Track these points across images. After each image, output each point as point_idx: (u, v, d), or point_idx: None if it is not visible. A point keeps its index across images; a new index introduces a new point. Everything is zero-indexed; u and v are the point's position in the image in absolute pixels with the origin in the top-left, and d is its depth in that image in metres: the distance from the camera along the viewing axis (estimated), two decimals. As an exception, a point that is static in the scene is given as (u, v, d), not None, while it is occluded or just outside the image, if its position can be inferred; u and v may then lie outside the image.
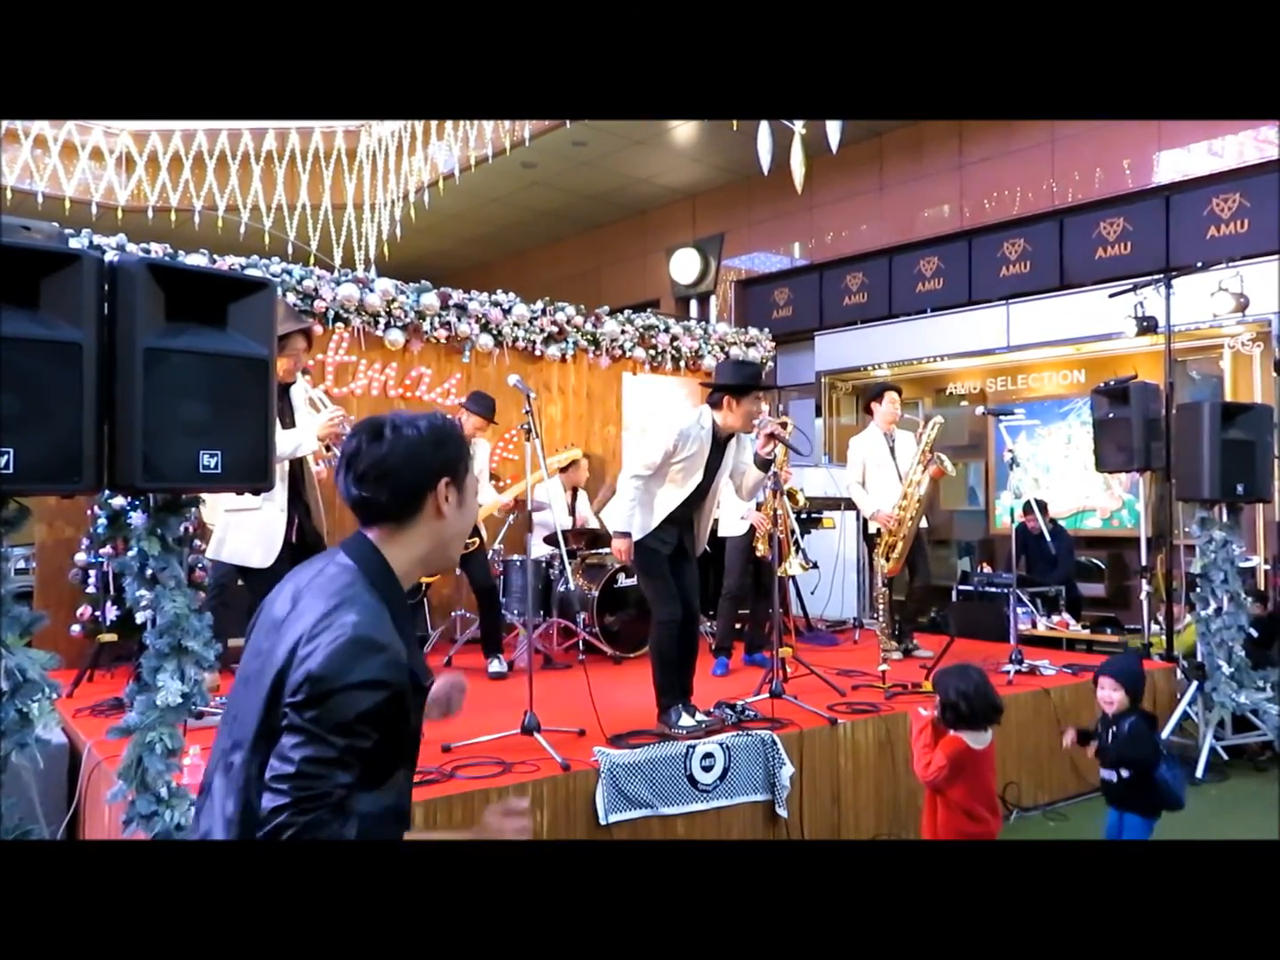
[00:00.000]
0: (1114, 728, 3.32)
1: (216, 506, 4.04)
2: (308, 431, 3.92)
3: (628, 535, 4.01)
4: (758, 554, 5.64)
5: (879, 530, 5.81)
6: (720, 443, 4.12)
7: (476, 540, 5.44)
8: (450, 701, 1.89)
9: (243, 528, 3.84)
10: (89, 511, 5.05)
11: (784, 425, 5.82)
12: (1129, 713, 3.31)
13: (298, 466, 4.08)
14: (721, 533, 5.76)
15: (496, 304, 6.82)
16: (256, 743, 1.45)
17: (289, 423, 3.95)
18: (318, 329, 5.99)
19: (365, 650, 1.42)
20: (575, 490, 6.74)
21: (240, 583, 4.09)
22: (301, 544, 3.92)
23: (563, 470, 6.60)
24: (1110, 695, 3.35)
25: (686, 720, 3.86)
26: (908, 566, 5.95)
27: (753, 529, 5.60)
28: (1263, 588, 6.60)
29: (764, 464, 4.15)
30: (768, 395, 5.18)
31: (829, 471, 8.13)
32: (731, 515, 5.64)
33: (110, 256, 2.41)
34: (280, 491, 3.82)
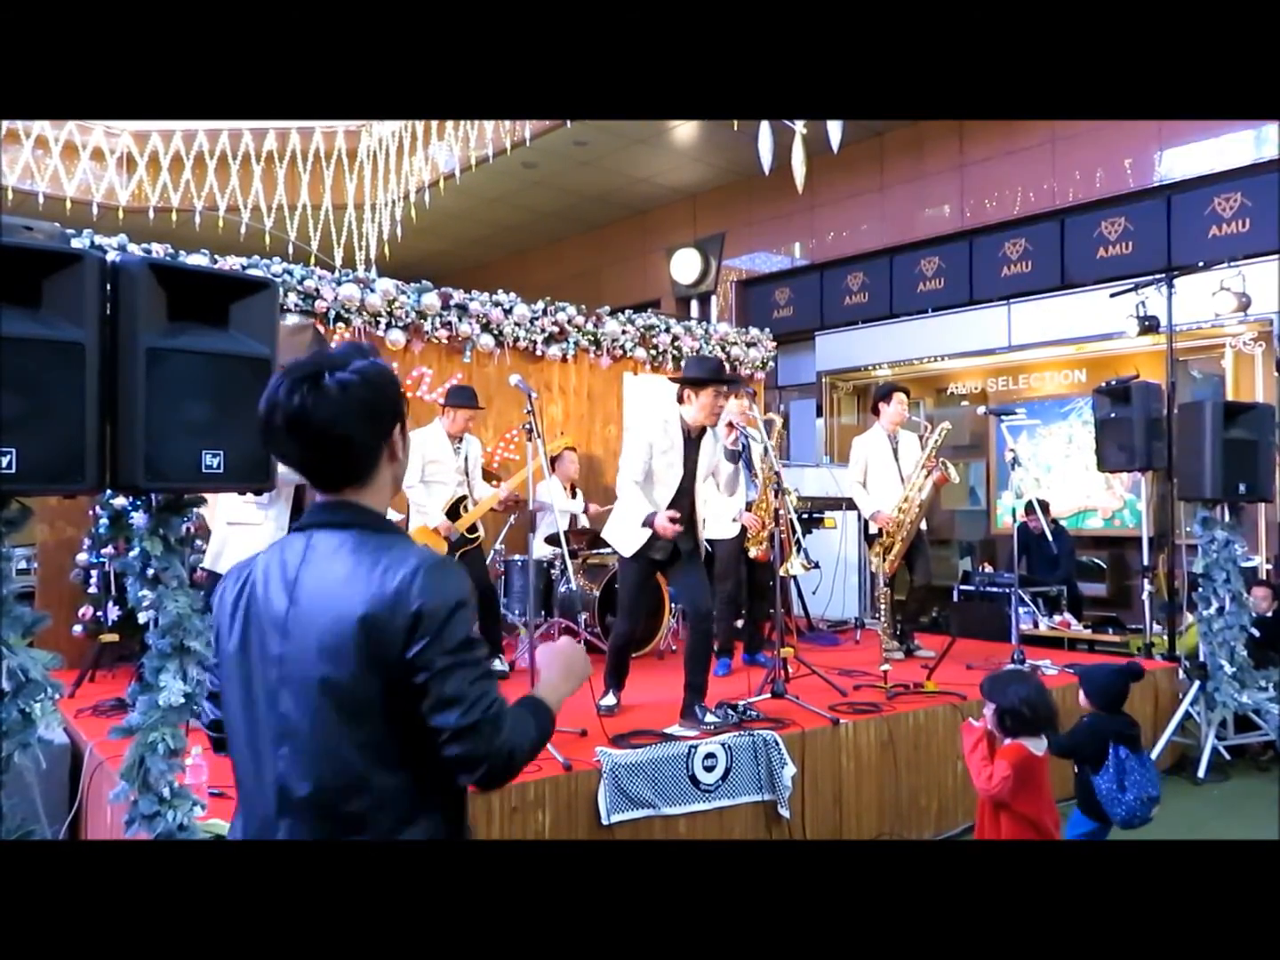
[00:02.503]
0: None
1: (216, 516, 4.02)
2: None
3: (654, 513, 4.07)
4: (750, 555, 5.63)
5: (880, 530, 5.81)
6: (693, 439, 4.20)
7: (479, 535, 5.44)
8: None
9: (241, 543, 3.79)
10: (91, 512, 5.05)
11: (770, 423, 5.86)
12: (1089, 714, 3.33)
13: (301, 488, 4.05)
14: (712, 535, 5.76)
15: (497, 304, 6.82)
16: (344, 732, 1.37)
17: None
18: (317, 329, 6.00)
19: (447, 568, 1.43)
20: (573, 487, 6.74)
21: None
22: None
23: (553, 465, 6.60)
24: (1081, 697, 3.40)
25: (711, 718, 3.94)
26: (908, 566, 5.95)
27: (744, 530, 5.60)
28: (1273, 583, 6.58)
29: (732, 455, 4.20)
30: (742, 391, 5.20)
31: (830, 471, 8.13)
32: (722, 518, 5.63)
33: (112, 257, 2.42)
34: (283, 511, 3.77)
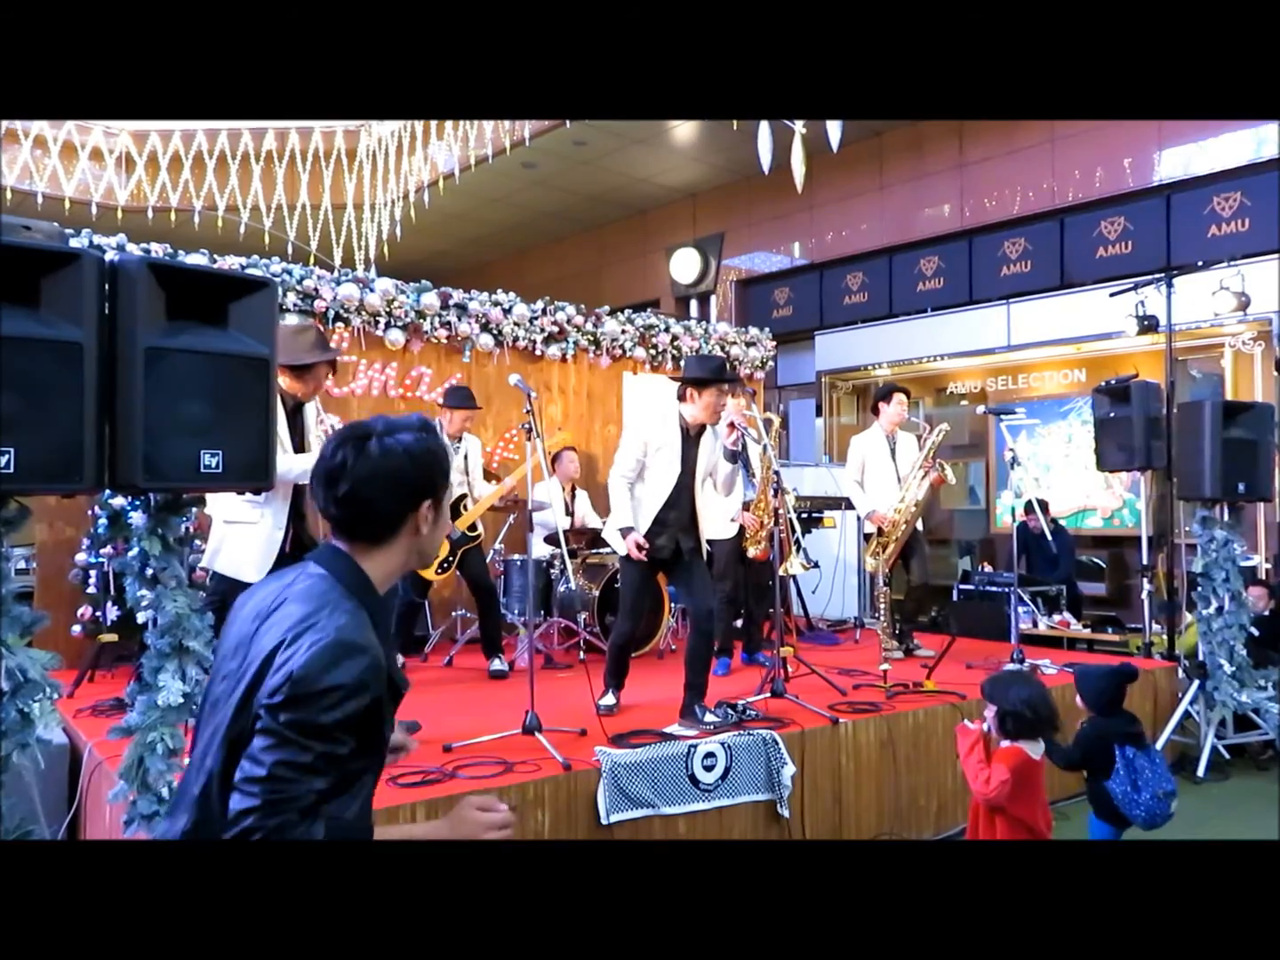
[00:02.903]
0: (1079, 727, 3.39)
1: (214, 514, 4.01)
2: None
3: (631, 529, 4.10)
4: (748, 555, 5.63)
5: (878, 529, 5.81)
6: (692, 437, 4.20)
7: (479, 533, 5.44)
8: (404, 746, 1.88)
9: (238, 541, 3.77)
10: (90, 511, 5.05)
11: (769, 423, 5.86)
12: (1088, 719, 3.34)
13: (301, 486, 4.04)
14: (709, 535, 5.76)
15: (497, 304, 6.81)
16: (222, 749, 1.44)
17: (300, 443, 3.91)
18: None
19: (348, 652, 1.40)
20: (574, 488, 6.73)
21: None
22: (297, 549, 3.86)
23: (553, 464, 6.59)
24: (1078, 699, 3.41)
25: (710, 717, 3.95)
26: (905, 566, 5.95)
27: (742, 530, 5.60)
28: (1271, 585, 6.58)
29: (731, 455, 4.20)
30: (740, 390, 5.21)
31: (829, 471, 8.12)
32: (719, 518, 5.63)
33: (110, 256, 2.41)
34: (281, 509, 3.75)
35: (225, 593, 4.07)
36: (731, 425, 4.18)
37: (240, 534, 3.74)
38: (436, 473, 1.57)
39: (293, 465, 3.64)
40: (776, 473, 4.60)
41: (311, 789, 1.37)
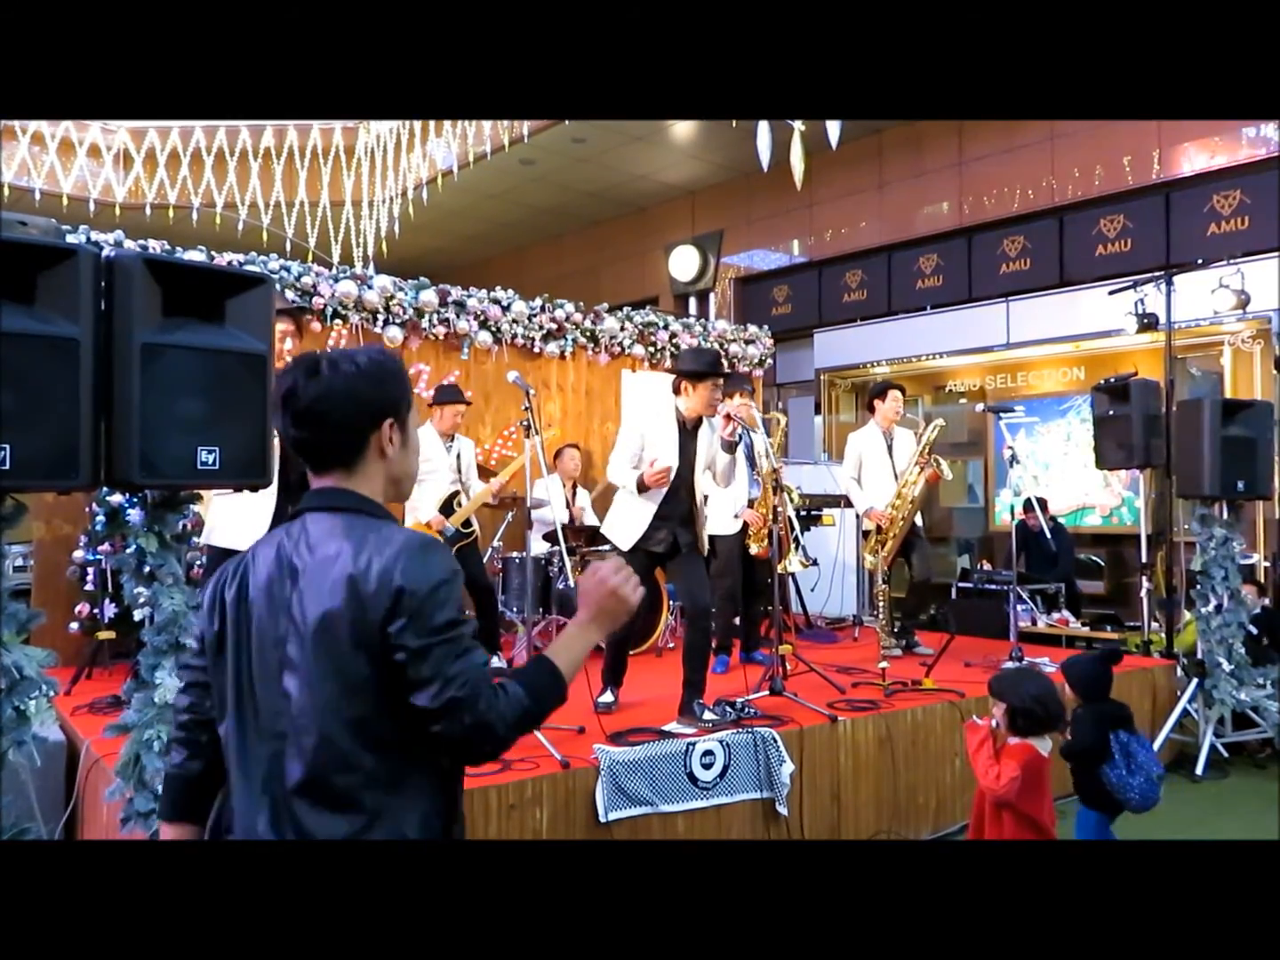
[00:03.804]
0: (1070, 717, 3.37)
1: (208, 497, 4.03)
2: None
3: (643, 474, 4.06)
4: (751, 552, 5.63)
5: (876, 526, 5.81)
6: (689, 430, 4.20)
7: (474, 530, 5.43)
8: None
9: (231, 512, 3.83)
10: (87, 509, 5.04)
11: (773, 422, 5.85)
12: (1078, 707, 3.33)
13: (286, 449, 4.04)
14: (712, 531, 5.75)
15: (495, 301, 6.80)
16: (338, 710, 1.40)
17: None
18: (315, 326, 5.98)
19: (431, 548, 1.45)
20: (574, 485, 6.73)
21: None
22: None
23: (554, 460, 6.58)
24: (1066, 689, 3.40)
25: (709, 715, 3.95)
26: (907, 563, 5.95)
27: (745, 527, 5.59)
28: (1262, 582, 6.59)
29: (728, 446, 4.20)
30: (744, 390, 5.21)
31: (828, 469, 8.12)
32: (723, 514, 5.63)
33: (107, 252, 2.40)
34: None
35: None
36: (728, 417, 4.18)
37: (232, 504, 3.78)
38: (394, 389, 1.55)
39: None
40: (775, 470, 4.60)
41: (482, 661, 1.42)
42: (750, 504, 5.55)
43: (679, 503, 4.15)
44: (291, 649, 1.43)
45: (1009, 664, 5.20)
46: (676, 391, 4.21)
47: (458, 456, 5.49)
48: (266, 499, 3.81)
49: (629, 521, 4.15)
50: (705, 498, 4.36)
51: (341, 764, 1.40)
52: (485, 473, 5.99)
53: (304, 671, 1.42)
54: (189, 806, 1.62)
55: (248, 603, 1.49)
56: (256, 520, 3.80)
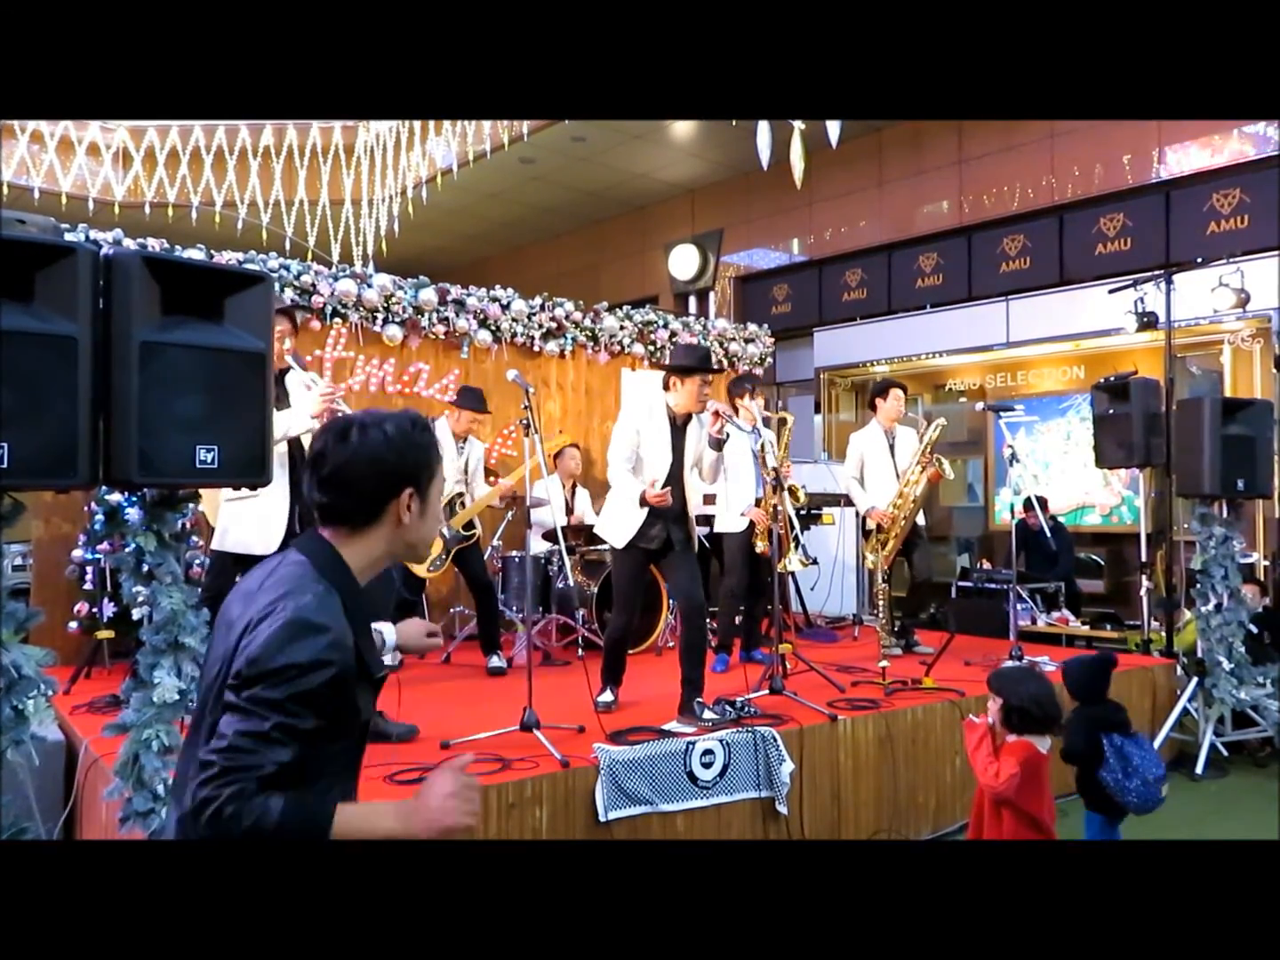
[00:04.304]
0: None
1: (216, 499, 4.01)
2: (299, 411, 3.86)
3: (643, 489, 4.06)
4: (757, 550, 5.62)
5: (877, 526, 5.80)
6: (679, 426, 4.24)
7: (476, 532, 5.43)
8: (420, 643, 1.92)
9: (244, 516, 3.82)
10: (86, 508, 5.04)
11: (783, 422, 5.85)
12: (1074, 709, 3.34)
13: (298, 452, 4.05)
14: (720, 529, 5.76)
15: (495, 299, 6.80)
16: (207, 734, 1.46)
17: (284, 408, 3.92)
18: (314, 324, 5.98)
19: (302, 631, 1.42)
20: (574, 485, 6.72)
21: (240, 578, 4.05)
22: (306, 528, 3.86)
23: (555, 461, 6.58)
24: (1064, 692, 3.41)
25: (709, 714, 3.95)
26: (908, 562, 5.94)
27: (752, 525, 5.59)
28: (1262, 581, 6.58)
29: (716, 444, 4.21)
30: (760, 394, 5.22)
31: (828, 468, 8.11)
32: (730, 512, 5.63)
33: (106, 251, 2.40)
34: (280, 478, 3.75)
35: (223, 582, 4.07)
36: (717, 414, 4.19)
37: (244, 510, 3.77)
38: (418, 461, 1.59)
39: (276, 423, 3.62)
40: (775, 469, 4.59)
41: (272, 759, 1.37)
42: (758, 503, 5.55)
43: (671, 499, 4.15)
44: (208, 670, 1.54)
45: (1009, 663, 5.20)
46: (666, 387, 4.24)
47: (467, 459, 5.49)
48: (280, 503, 3.79)
49: (623, 520, 4.16)
50: (714, 496, 4.36)
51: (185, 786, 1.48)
52: (485, 472, 5.98)
53: (204, 699, 1.52)
54: None
55: (219, 625, 1.58)
56: (270, 525, 3.77)
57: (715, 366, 4.39)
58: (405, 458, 1.57)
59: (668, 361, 4.30)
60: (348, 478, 1.53)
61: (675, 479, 4.19)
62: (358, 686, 1.50)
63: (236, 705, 1.40)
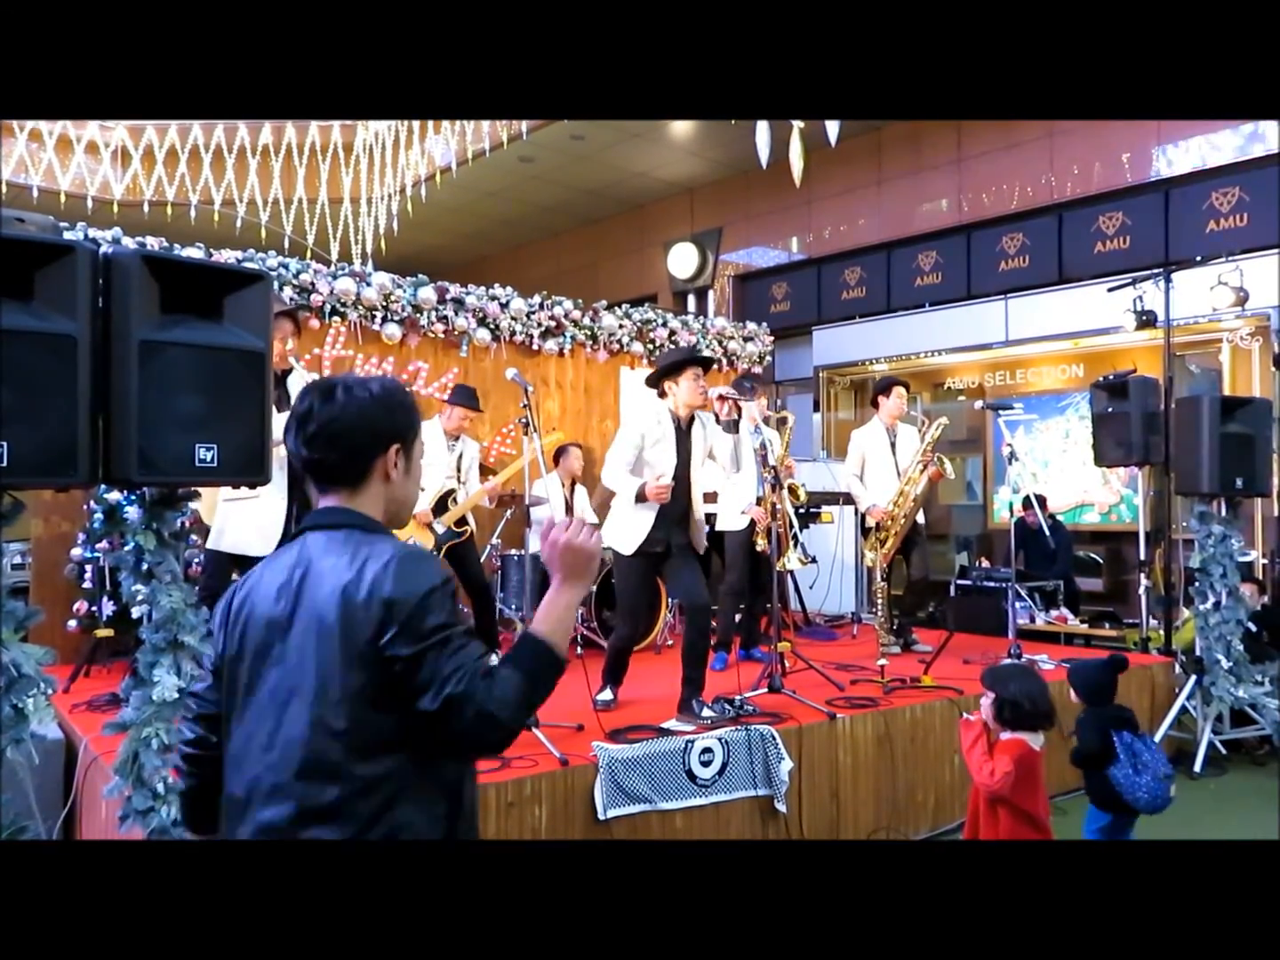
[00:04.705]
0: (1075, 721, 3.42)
1: (213, 498, 4.01)
2: None
3: (644, 485, 4.05)
4: (758, 549, 5.63)
5: (877, 524, 5.80)
6: (684, 430, 4.22)
7: (468, 529, 5.41)
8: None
9: (242, 517, 3.81)
10: (85, 506, 5.04)
11: (783, 421, 5.85)
12: (1084, 710, 3.37)
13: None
14: (721, 527, 5.76)
15: (494, 298, 6.80)
16: (330, 722, 1.41)
17: (286, 410, 3.92)
18: (313, 323, 5.98)
19: (421, 558, 1.49)
20: (574, 483, 6.72)
21: (235, 576, 4.06)
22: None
23: (556, 461, 6.58)
24: (1070, 693, 3.44)
25: (708, 712, 3.96)
26: (905, 560, 5.94)
27: (753, 523, 5.59)
28: (1261, 579, 6.59)
29: (730, 425, 4.24)
30: (762, 394, 5.22)
31: (827, 466, 8.12)
32: (731, 510, 5.63)
33: (105, 249, 2.40)
34: (279, 478, 3.76)
35: (218, 581, 4.06)
36: (721, 398, 4.19)
37: (242, 510, 3.76)
38: (403, 418, 1.61)
39: (277, 425, 3.61)
40: (774, 468, 4.59)
41: (477, 656, 1.43)
42: (759, 501, 5.55)
43: (676, 504, 4.15)
44: (289, 664, 1.46)
45: (1007, 661, 5.20)
46: (663, 395, 4.22)
47: (459, 457, 5.48)
48: (277, 503, 3.79)
49: (630, 527, 4.15)
50: (715, 494, 4.36)
51: (332, 775, 1.41)
52: (484, 470, 5.98)
53: (298, 686, 1.45)
54: (208, 819, 1.62)
55: (255, 623, 1.53)
56: (267, 525, 3.77)
57: (703, 356, 4.35)
58: (393, 414, 1.59)
59: (655, 371, 4.26)
60: (336, 433, 1.54)
61: (680, 482, 4.17)
62: None
63: (416, 654, 1.39)
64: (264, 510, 3.77)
